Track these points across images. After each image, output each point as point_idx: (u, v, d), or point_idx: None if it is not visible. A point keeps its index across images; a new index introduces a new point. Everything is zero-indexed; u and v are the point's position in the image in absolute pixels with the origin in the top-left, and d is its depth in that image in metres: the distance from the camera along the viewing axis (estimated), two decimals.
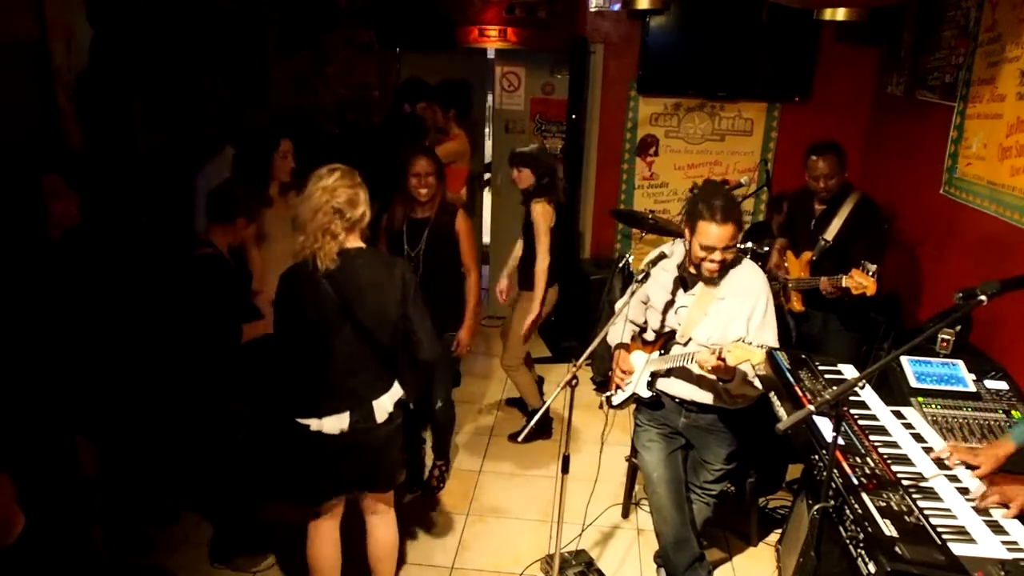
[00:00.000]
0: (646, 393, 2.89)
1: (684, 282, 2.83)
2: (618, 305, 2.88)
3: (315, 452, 2.56)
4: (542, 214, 3.88)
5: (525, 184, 3.96)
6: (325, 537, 2.73)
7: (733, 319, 2.70)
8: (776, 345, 2.78)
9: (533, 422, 2.88)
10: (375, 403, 2.54)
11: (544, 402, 4.27)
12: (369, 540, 2.83)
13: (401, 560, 3.27)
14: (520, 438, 3.03)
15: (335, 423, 2.50)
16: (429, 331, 2.59)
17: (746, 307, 2.72)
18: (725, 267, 2.74)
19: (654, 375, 2.89)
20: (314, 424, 2.51)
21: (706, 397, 2.80)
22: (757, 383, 2.68)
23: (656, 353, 2.85)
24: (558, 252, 4.04)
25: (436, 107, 4.70)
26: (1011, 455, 2.25)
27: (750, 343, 2.40)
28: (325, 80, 5.72)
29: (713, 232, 2.62)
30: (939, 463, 2.31)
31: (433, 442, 3.81)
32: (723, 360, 2.41)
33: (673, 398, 2.89)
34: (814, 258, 3.66)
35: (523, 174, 3.94)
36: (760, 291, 2.75)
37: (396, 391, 2.61)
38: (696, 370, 2.68)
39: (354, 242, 2.49)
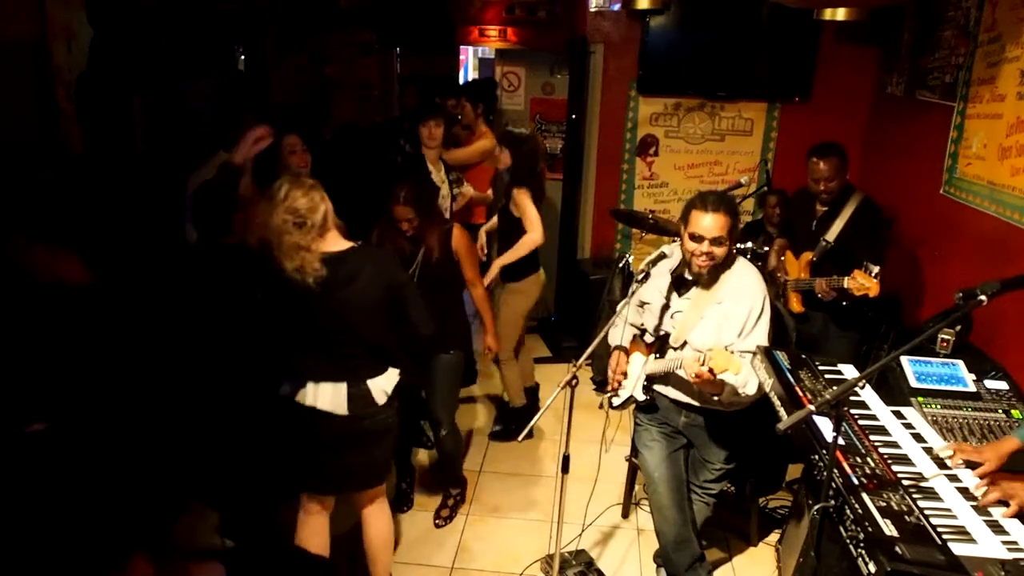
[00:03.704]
0: (642, 397, 2.90)
1: (679, 286, 2.81)
2: (619, 307, 2.88)
3: (314, 437, 2.59)
4: (528, 199, 3.89)
5: (504, 165, 3.99)
6: (314, 531, 2.75)
7: (728, 322, 2.69)
8: (765, 344, 2.77)
9: (535, 421, 2.86)
10: (371, 382, 2.57)
11: (524, 400, 4.31)
12: (366, 534, 2.86)
13: (401, 560, 3.28)
14: (520, 438, 3.03)
15: (330, 395, 2.52)
16: (420, 310, 2.67)
17: (742, 310, 2.69)
18: (720, 269, 2.72)
19: (650, 379, 2.89)
20: (309, 396, 2.54)
21: (701, 401, 2.79)
22: (749, 390, 2.60)
23: (652, 356, 2.86)
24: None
25: (465, 103, 4.67)
26: (1015, 452, 2.25)
27: (732, 352, 2.41)
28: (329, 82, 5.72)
29: (702, 220, 2.60)
30: (940, 463, 2.31)
31: (443, 471, 3.72)
32: (710, 370, 2.39)
33: (671, 399, 2.89)
34: (814, 259, 3.65)
35: (504, 155, 3.97)
36: (757, 294, 2.72)
37: (392, 376, 2.64)
38: (685, 375, 2.63)
39: (335, 243, 2.49)
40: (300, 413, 2.58)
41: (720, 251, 2.65)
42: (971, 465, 2.27)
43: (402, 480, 3.71)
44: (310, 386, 2.56)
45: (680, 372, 2.65)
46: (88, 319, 2.35)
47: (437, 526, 3.56)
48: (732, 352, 2.41)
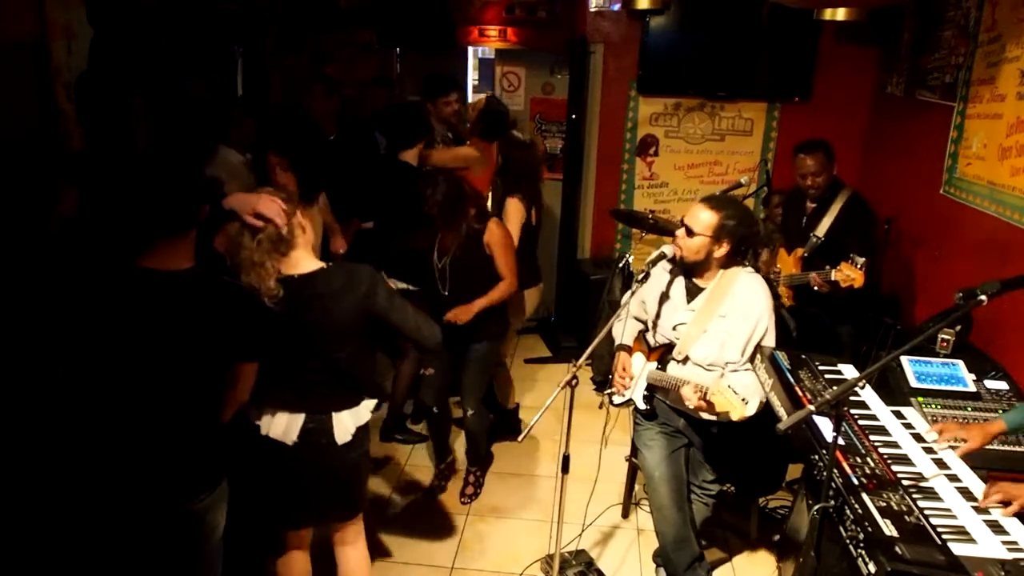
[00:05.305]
0: (642, 405, 2.91)
1: (686, 283, 2.82)
2: (622, 302, 2.87)
3: (275, 468, 2.42)
4: (514, 209, 3.89)
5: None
6: (294, 573, 2.61)
7: (732, 337, 2.69)
8: (773, 345, 2.78)
9: (535, 421, 2.84)
10: (336, 416, 2.38)
11: (515, 403, 4.34)
12: (340, 573, 2.67)
13: (401, 560, 3.28)
14: (520, 438, 3.03)
15: (284, 425, 2.35)
16: (415, 326, 2.44)
17: (746, 328, 2.70)
18: (727, 282, 2.72)
19: (651, 389, 2.89)
20: (265, 424, 2.37)
21: (700, 415, 2.77)
22: (748, 412, 2.52)
23: (654, 364, 2.85)
24: (533, 251, 4.04)
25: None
26: (1000, 434, 2.32)
27: (736, 393, 2.41)
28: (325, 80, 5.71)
29: (689, 209, 2.74)
30: (941, 463, 2.32)
31: (467, 449, 3.79)
32: (709, 402, 2.45)
33: (670, 406, 2.90)
34: (805, 254, 3.69)
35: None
36: (763, 309, 2.73)
37: (363, 411, 2.45)
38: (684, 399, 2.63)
39: (303, 264, 2.33)
40: (260, 444, 2.40)
41: (689, 243, 2.69)
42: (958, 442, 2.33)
43: (440, 462, 3.83)
44: (267, 415, 2.38)
45: (683, 390, 2.64)
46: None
47: (463, 503, 3.66)
48: (736, 393, 2.42)
